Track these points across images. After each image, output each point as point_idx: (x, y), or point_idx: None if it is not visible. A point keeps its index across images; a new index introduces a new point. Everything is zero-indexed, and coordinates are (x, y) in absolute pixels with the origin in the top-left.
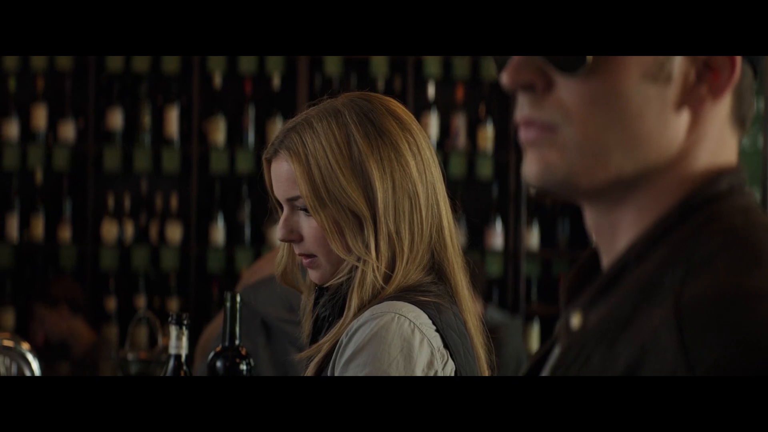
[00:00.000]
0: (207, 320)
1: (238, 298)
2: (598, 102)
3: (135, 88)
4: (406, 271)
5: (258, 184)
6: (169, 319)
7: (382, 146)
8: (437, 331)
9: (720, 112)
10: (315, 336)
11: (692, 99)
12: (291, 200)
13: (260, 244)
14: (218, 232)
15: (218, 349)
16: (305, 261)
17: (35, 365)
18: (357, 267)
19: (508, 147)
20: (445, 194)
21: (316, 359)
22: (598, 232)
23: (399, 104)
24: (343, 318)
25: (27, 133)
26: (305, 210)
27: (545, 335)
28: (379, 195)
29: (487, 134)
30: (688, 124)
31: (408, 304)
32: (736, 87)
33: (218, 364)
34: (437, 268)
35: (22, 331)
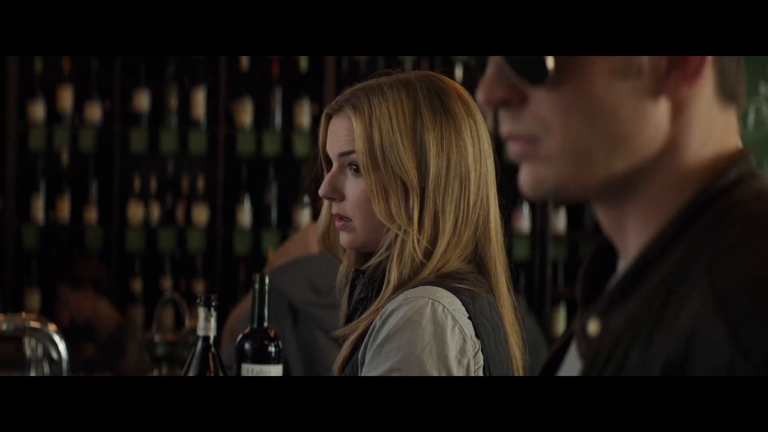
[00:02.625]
0: (233, 303)
1: (267, 280)
2: (574, 108)
3: (162, 69)
4: (447, 254)
5: (285, 165)
6: (198, 300)
7: (444, 124)
8: (470, 318)
9: (703, 93)
10: (351, 316)
11: (667, 87)
12: (343, 155)
13: (287, 226)
14: (245, 214)
15: (247, 331)
16: (339, 223)
17: (62, 346)
18: (395, 243)
19: None
20: (496, 190)
21: (352, 337)
22: (608, 227)
23: (466, 92)
24: (381, 294)
25: (53, 114)
26: (355, 169)
27: (572, 319)
28: (432, 170)
29: None
30: (670, 113)
31: (442, 290)
32: (716, 63)
33: (247, 345)
34: (479, 261)
35: (47, 313)
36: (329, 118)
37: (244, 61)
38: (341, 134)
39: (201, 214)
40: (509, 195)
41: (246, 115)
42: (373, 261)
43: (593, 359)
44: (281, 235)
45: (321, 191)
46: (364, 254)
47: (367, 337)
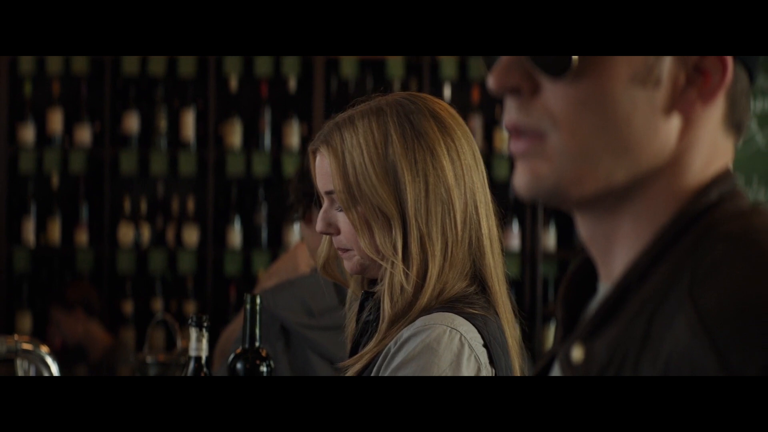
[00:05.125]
0: (224, 323)
1: (258, 300)
2: (586, 106)
3: (151, 91)
4: (442, 277)
5: (274, 186)
6: (189, 321)
7: (417, 148)
8: (484, 345)
9: (712, 116)
10: (358, 338)
11: (682, 103)
12: (328, 194)
13: (277, 246)
14: (235, 235)
15: (238, 351)
16: (341, 253)
17: (54, 368)
18: (385, 275)
19: None
20: (488, 201)
21: (356, 368)
22: (592, 242)
23: (447, 107)
24: (379, 325)
25: (43, 137)
26: (339, 207)
27: None
28: (410, 197)
29: (504, 135)
30: (679, 130)
31: (459, 317)
32: (729, 91)
33: (238, 365)
34: (478, 275)
35: (39, 335)
36: (314, 154)
37: (233, 82)
38: (322, 172)
39: (191, 236)
40: (499, 213)
41: (235, 136)
42: (380, 286)
43: None
44: (271, 256)
45: (317, 227)
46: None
47: (378, 364)
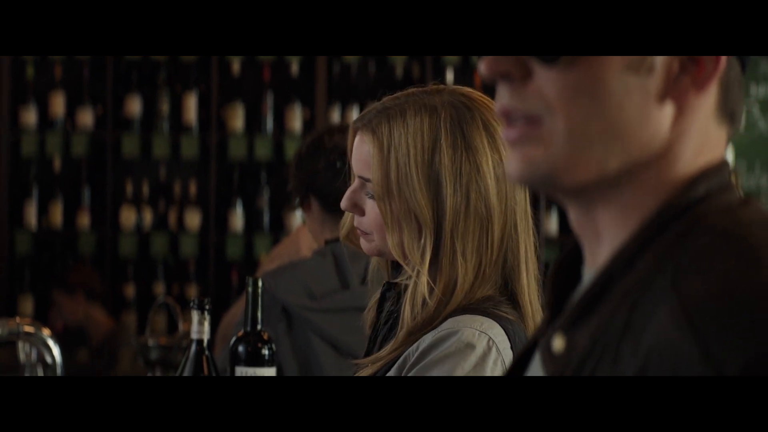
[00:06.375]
0: (226, 307)
1: (260, 283)
2: (578, 92)
3: (153, 75)
4: (471, 294)
5: (276, 170)
6: (191, 303)
7: (464, 161)
8: (512, 348)
9: (705, 105)
10: (377, 329)
11: (675, 91)
12: (362, 178)
13: (279, 230)
14: (237, 219)
15: (240, 334)
16: (360, 233)
17: (56, 351)
18: (410, 281)
19: None
20: (528, 219)
21: (369, 372)
22: (581, 229)
23: (498, 121)
24: (398, 331)
25: (45, 120)
26: (371, 195)
27: None
28: (449, 209)
29: None
30: (672, 118)
31: (488, 320)
32: (723, 80)
33: (240, 348)
34: (510, 292)
35: (41, 318)
36: (355, 132)
37: (236, 66)
38: (361, 157)
39: (193, 219)
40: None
41: (237, 120)
42: (403, 277)
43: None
44: (273, 240)
45: (342, 204)
46: (393, 263)
47: (397, 367)
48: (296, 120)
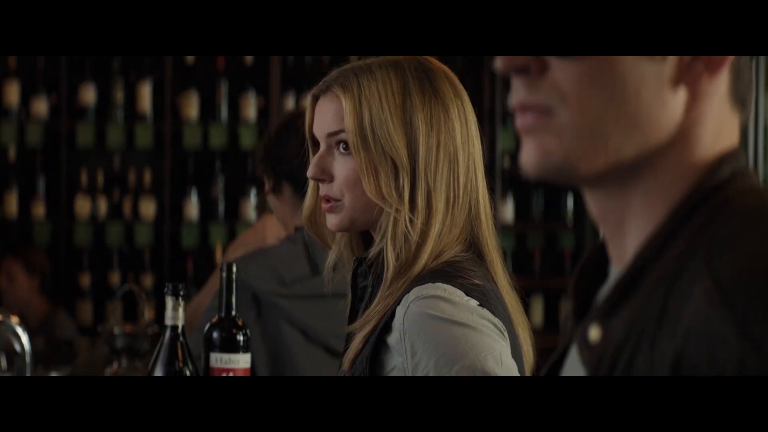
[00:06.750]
0: None
1: (234, 269)
2: (594, 82)
3: (107, 63)
4: (443, 235)
5: (231, 158)
6: (165, 289)
7: (434, 104)
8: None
9: (718, 90)
10: (355, 304)
11: (688, 76)
12: (331, 135)
13: (234, 219)
14: (192, 208)
15: (214, 320)
16: (326, 205)
17: (24, 339)
18: (388, 223)
19: (482, 120)
20: (483, 172)
21: (364, 332)
22: (603, 220)
23: (455, 76)
24: (383, 280)
25: (0, 109)
26: (344, 148)
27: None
28: (422, 149)
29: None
30: (686, 103)
31: (457, 290)
32: (734, 64)
33: (215, 334)
34: (474, 243)
35: None
36: (316, 99)
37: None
38: (329, 114)
39: (148, 209)
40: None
41: (192, 108)
42: (374, 249)
43: (597, 365)
44: (228, 228)
45: (309, 173)
46: (362, 242)
47: (380, 327)
48: (251, 108)
